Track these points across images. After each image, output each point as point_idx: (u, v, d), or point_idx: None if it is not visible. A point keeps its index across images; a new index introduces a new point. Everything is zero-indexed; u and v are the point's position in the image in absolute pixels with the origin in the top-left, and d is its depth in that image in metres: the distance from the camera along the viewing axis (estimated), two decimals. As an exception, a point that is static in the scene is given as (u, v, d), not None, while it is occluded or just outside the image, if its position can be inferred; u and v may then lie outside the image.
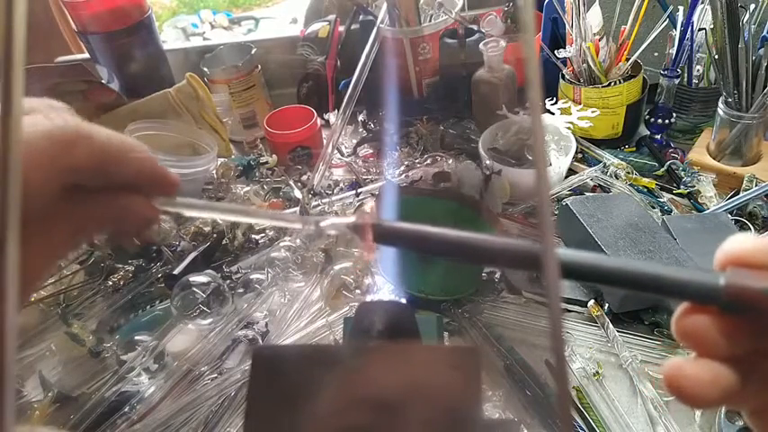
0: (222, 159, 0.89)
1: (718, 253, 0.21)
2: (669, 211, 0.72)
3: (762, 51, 0.69)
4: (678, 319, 0.21)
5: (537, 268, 0.18)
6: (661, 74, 0.81)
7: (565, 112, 0.80)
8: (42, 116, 0.22)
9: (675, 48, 0.79)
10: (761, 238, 0.21)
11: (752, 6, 0.72)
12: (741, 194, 0.71)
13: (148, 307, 0.68)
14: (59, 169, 0.22)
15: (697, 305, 0.21)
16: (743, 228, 0.68)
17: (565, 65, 0.83)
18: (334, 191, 0.82)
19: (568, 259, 0.20)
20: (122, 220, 0.25)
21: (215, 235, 0.74)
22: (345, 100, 0.87)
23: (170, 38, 2.07)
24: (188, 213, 0.28)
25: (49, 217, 0.24)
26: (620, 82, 0.79)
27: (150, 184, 0.25)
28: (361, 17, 0.97)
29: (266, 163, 0.89)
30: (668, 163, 0.78)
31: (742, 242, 0.21)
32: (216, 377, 0.59)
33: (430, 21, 0.90)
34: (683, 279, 0.20)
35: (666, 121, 0.82)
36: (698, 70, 0.82)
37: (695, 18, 0.76)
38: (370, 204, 0.26)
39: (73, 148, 0.22)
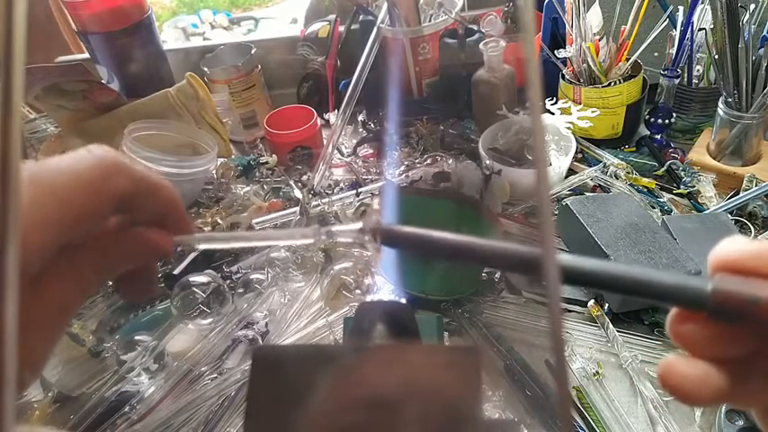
0: (222, 159, 0.89)
1: (710, 257, 0.21)
2: (669, 211, 0.72)
3: (762, 51, 0.69)
4: (669, 323, 0.22)
5: (538, 272, 0.19)
6: (661, 74, 0.81)
7: (565, 112, 0.80)
8: (85, 150, 0.23)
9: (675, 48, 0.79)
10: (751, 242, 0.21)
11: (752, 6, 0.72)
12: (741, 194, 0.71)
13: (148, 307, 0.68)
14: (106, 195, 0.23)
15: (687, 311, 0.21)
16: (743, 228, 0.68)
17: (565, 65, 0.83)
18: (334, 191, 0.82)
19: (564, 264, 0.20)
20: (141, 253, 0.26)
21: (215, 235, 0.74)
22: (345, 100, 0.87)
23: (170, 38, 2.08)
24: (203, 247, 0.29)
25: (80, 250, 0.24)
26: (620, 82, 0.79)
27: (174, 218, 0.26)
28: (361, 17, 0.97)
29: (266, 163, 0.89)
30: (668, 163, 0.78)
31: (731, 247, 0.21)
32: (216, 377, 0.59)
33: (430, 21, 0.90)
34: (673, 285, 0.20)
35: (666, 121, 0.82)
36: (698, 70, 0.82)
37: (695, 18, 0.76)
38: (375, 206, 0.28)
39: (115, 175, 0.23)
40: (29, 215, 0.21)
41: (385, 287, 0.66)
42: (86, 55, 0.99)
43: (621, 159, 0.79)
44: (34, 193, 0.21)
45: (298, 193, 0.82)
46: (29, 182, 0.21)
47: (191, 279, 0.66)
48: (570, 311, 0.62)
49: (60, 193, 0.22)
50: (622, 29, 0.79)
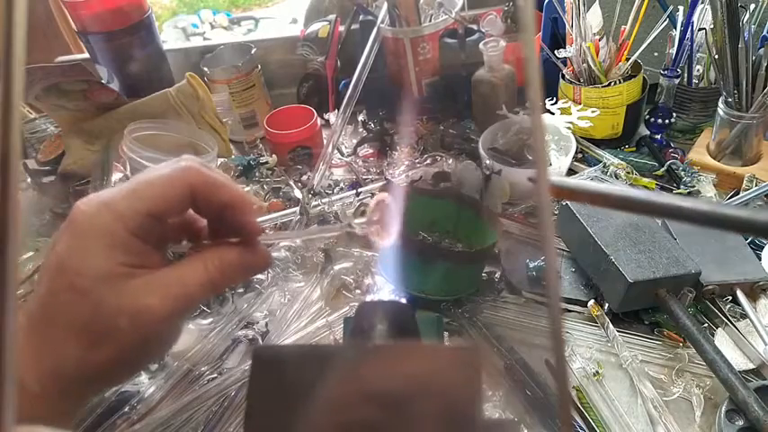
0: (222, 159, 0.89)
1: None
2: (669, 211, 0.72)
3: (762, 51, 0.69)
4: None
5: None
6: (661, 74, 0.81)
7: (565, 112, 0.80)
8: (176, 159, 0.35)
9: (675, 48, 0.79)
10: None
11: (752, 6, 0.72)
12: (741, 194, 0.71)
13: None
14: (180, 184, 0.33)
15: None
16: (743, 228, 0.68)
17: (565, 65, 0.83)
18: (334, 191, 0.82)
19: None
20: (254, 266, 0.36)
21: (215, 235, 0.74)
22: (345, 100, 0.87)
23: (170, 38, 2.08)
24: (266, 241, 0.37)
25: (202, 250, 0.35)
26: (620, 82, 0.79)
27: (239, 206, 0.34)
28: (361, 17, 0.97)
29: (266, 163, 0.89)
30: (668, 163, 0.78)
31: None
32: (216, 377, 0.59)
33: (430, 21, 0.90)
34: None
35: (666, 120, 0.82)
36: (698, 70, 0.82)
37: (695, 18, 0.76)
38: (372, 205, 0.35)
39: (188, 172, 0.33)
40: (132, 193, 0.32)
41: (385, 287, 0.66)
42: (86, 55, 0.99)
43: (621, 159, 0.79)
44: (135, 181, 0.33)
45: (298, 193, 0.82)
46: (136, 178, 0.33)
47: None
48: (570, 311, 0.62)
49: (150, 180, 0.33)
50: (622, 29, 0.79)
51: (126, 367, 0.35)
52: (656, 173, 0.78)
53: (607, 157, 0.80)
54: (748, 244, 0.64)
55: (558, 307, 0.17)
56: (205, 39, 2.14)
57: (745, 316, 0.58)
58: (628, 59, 0.80)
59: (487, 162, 0.75)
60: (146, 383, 0.59)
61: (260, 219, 0.81)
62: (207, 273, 0.33)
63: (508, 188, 0.74)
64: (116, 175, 0.87)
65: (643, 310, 0.60)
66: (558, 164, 0.76)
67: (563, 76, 0.84)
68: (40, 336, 0.30)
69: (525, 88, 0.17)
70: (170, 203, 0.33)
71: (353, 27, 1.00)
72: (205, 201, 0.34)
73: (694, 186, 0.74)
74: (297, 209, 0.78)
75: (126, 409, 0.57)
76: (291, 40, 1.03)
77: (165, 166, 0.34)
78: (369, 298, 0.66)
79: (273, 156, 0.90)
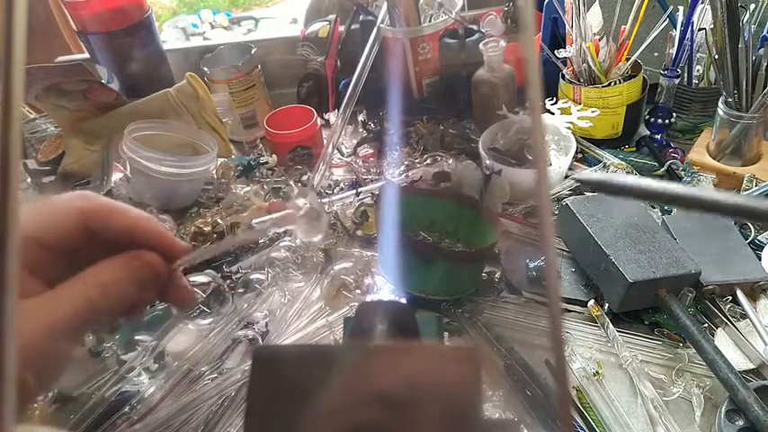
0: (222, 159, 0.89)
1: None
2: (669, 211, 0.72)
3: (762, 51, 0.69)
4: None
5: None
6: (661, 74, 0.81)
7: (565, 112, 0.80)
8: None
9: (675, 48, 0.79)
10: None
11: (752, 6, 0.72)
12: (741, 194, 0.71)
13: (148, 307, 0.68)
14: (68, 208, 0.31)
15: None
16: (743, 227, 0.68)
17: (565, 65, 0.83)
18: (335, 191, 0.82)
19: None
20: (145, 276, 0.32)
21: (215, 235, 0.74)
22: (345, 100, 0.87)
23: (170, 38, 2.08)
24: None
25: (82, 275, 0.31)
26: (620, 82, 0.79)
27: (142, 232, 0.32)
28: (361, 17, 0.97)
29: (266, 163, 0.89)
30: (668, 163, 0.78)
31: None
32: (216, 377, 0.59)
33: (430, 21, 0.90)
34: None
35: (666, 120, 0.82)
36: (698, 70, 0.82)
37: (695, 18, 0.76)
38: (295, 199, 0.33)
39: (78, 199, 0.32)
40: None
41: (385, 287, 0.66)
42: (86, 55, 0.99)
43: (621, 159, 0.79)
44: (23, 209, 0.29)
45: (298, 193, 0.82)
46: (28, 207, 0.31)
47: (191, 279, 0.66)
48: (570, 311, 0.62)
49: (36, 206, 0.31)
50: (622, 29, 0.79)
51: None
52: (656, 173, 0.78)
53: (607, 157, 0.80)
54: (748, 244, 0.64)
55: (558, 307, 0.17)
56: (205, 39, 2.14)
57: (745, 316, 0.58)
58: (628, 59, 0.80)
59: (487, 162, 0.75)
60: (146, 383, 0.59)
61: (260, 219, 0.81)
62: (85, 295, 0.30)
63: (508, 188, 0.74)
64: (116, 175, 0.87)
65: (643, 310, 0.60)
66: (558, 164, 0.76)
67: (563, 76, 0.84)
68: None
69: (525, 88, 0.17)
70: (58, 228, 0.31)
71: (353, 27, 1.00)
72: (102, 227, 0.32)
73: (694, 186, 0.74)
74: (297, 209, 0.78)
75: (126, 409, 0.57)
76: (291, 40, 1.03)
77: (56, 197, 0.32)
78: (369, 298, 0.66)
79: (273, 156, 0.90)
